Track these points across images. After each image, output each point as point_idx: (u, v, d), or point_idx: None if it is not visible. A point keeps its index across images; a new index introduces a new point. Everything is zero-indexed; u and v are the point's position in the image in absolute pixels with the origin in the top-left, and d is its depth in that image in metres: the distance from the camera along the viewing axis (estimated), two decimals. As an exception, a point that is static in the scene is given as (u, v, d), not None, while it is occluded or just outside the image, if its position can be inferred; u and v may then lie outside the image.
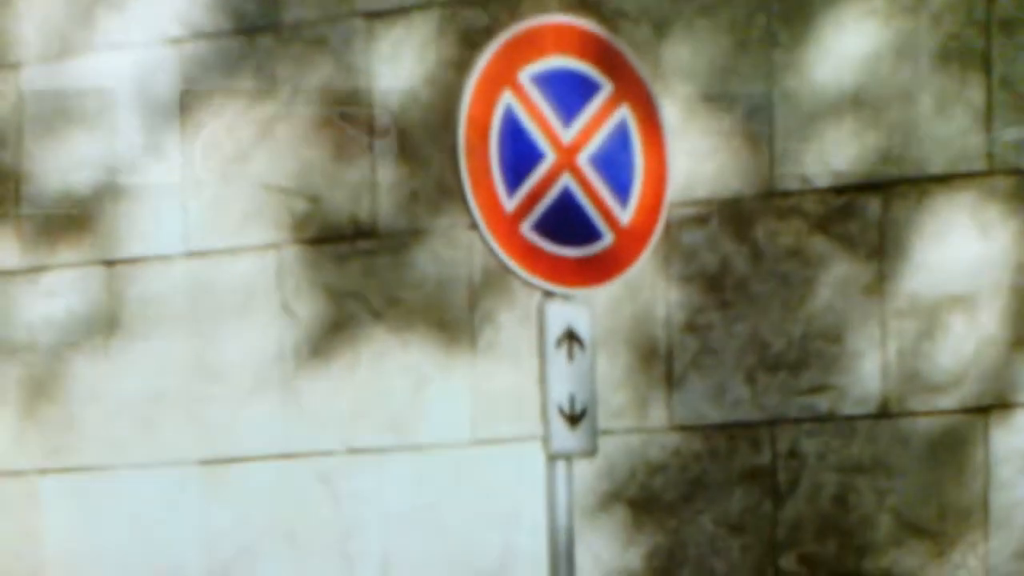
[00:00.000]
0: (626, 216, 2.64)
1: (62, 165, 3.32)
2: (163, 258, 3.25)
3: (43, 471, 3.36)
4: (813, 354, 3.05)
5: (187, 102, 3.24)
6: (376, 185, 3.20)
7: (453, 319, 3.21)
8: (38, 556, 3.44)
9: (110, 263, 3.25)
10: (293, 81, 3.20)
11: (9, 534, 3.43)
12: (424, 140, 3.16)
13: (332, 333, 3.23)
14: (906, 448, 3.00)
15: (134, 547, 3.37)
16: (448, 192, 3.06)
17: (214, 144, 3.25)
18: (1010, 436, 2.94)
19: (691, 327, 3.12)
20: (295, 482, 3.23)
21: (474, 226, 2.58)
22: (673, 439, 3.13)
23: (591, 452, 2.67)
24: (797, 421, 3.07)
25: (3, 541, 3.44)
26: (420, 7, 3.14)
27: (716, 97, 3.08)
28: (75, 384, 3.33)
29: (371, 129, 3.17)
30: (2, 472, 3.42)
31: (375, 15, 3.12)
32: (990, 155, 2.92)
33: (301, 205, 3.21)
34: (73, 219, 3.36)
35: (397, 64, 3.15)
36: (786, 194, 3.03)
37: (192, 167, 3.27)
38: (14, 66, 3.29)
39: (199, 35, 3.23)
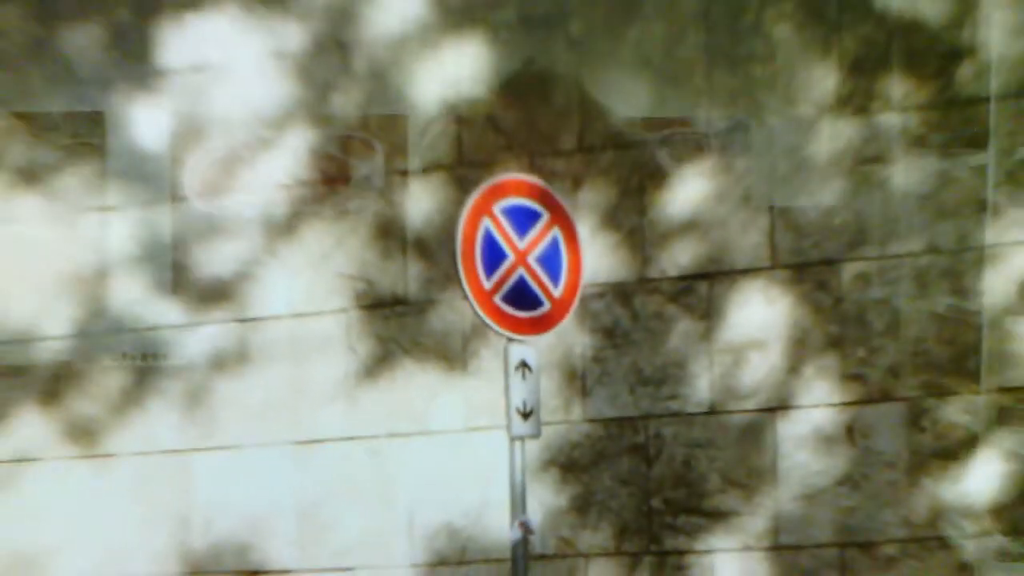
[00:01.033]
0: (557, 292, 3.14)
1: (214, 260, 3.74)
2: (275, 317, 3.69)
3: (195, 450, 3.77)
4: (669, 376, 3.55)
5: (293, 224, 3.69)
6: (407, 274, 3.66)
7: (453, 354, 3.62)
8: (191, 506, 3.76)
9: (242, 320, 3.71)
10: (358, 211, 3.67)
11: (171, 492, 3.75)
12: (436, 247, 3.57)
13: (379, 363, 3.64)
14: (726, 433, 3.49)
15: (253, 497, 3.73)
16: (451, 278, 3.34)
17: (309, 249, 3.69)
18: (788, 426, 3.42)
19: (596, 359, 3.56)
20: (355, 455, 3.65)
21: (466, 298, 3.09)
22: (586, 427, 3.58)
23: (537, 436, 3.15)
24: (660, 416, 3.54)
25: (167, 497, 3.74)
26: (435, 169, 3.60)
27: (609, 223, 3.55)
28: (217, 394, 3.74)
29: (404, 239, 3.65)
30: (168, 451, 3.76)
31: (407, 172, 3.62)
32: (773, 257, 3.45)
33: (361, 286, 3.65)
34: (220, 293, 3.75)
35: (421, 202, 3.62)
36: (651, 280, 3.52)
37: (295, 262, 3.70)
38: (184, 201, 3.74)
39: (300, 183, 3.68)
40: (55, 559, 3.85)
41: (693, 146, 3.56)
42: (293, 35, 3.83)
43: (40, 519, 3.83)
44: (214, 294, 3.78)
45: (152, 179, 3.85)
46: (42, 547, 3.83)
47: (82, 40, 3.88)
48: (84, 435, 3.78)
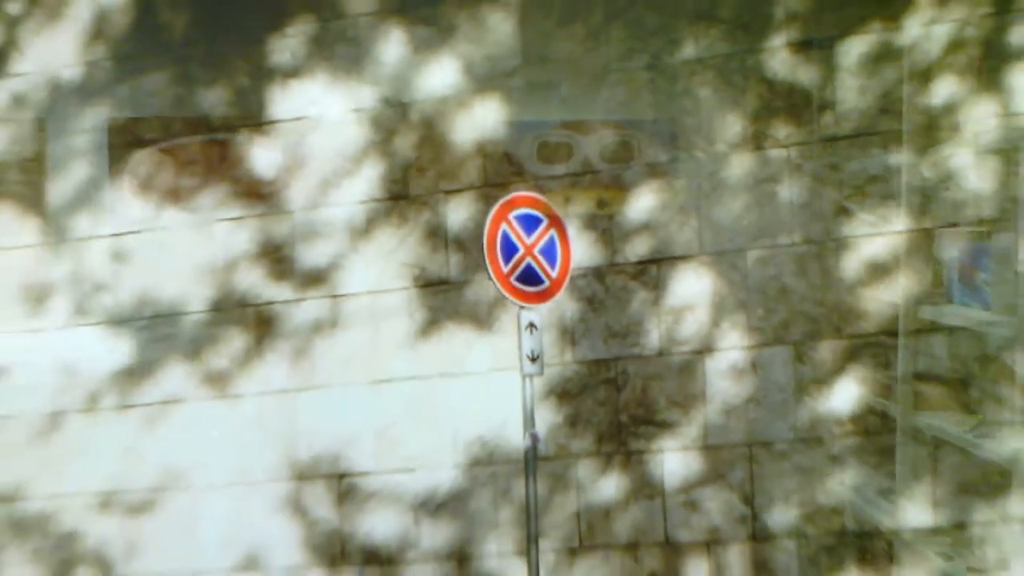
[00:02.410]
0: (554, 274, 3.44)
1: (313, 255, 3.91)
2: (357, 294, 3.91)
3: (299, 389, 3.93)
4: (631, 330, 3.85)
5: (368, 229, 3.88)
6: (449, 263, 3.89)
7: (481, 318, 3.88)
8: (296, 431, 3.94)
9: (333, 296, 3.91)
10: (414, 219, 3.87)
11: (282, 421, 3.94)
12: (469, 243, 3.87)
13: (430, 326, 3.90)
14: (670, 369, 3.85)
15: (342, 422, 3.94)
16: (479, 265, 3.79)
17: (380, 246, 3.89)
18: (712, 363, 3.83)
19: (581, 320, 3.87)
20: (416, 390, 3.89)
21: (490, 279, 3.42)
22: (574, 367, 3.89)
23: (541, 374, 3.47)
24: (625, 358, 3.87)
25: (279, 425, 3.93)
26: (467, 189, 3.84)
27: (589, 226, 3.83)
28: (315, 349, 3.92)
29: (447, 238, 3.88)
30: (280, 391, 3.93)
31: (449, 191, 3.85)
32: (700, 247, 3.80)
33: (417, 271, 3.89)
34: (317, 278, 3.89)
35: (457, 212, 3.87)
36: (618, 264, 3.83)
37: (371, 256, 3.90)
38: (291, 213, 3.90)
39: (372, 199, 3.88)
40: (197, 472, 3.98)
41: (646, 172, 3.82)
42: (366, 95, 3.88)
43: (184, 444, 3.98)
44: (313, 278, 3.94)
45: (267, 198, 3.98)
46: (187, 464, 3.98)
47: (213, 98, 3.93)
48: (218, 381, 3.96)
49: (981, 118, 3.65)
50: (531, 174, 3.85)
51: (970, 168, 3.67)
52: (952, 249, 3.66)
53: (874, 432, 3.77)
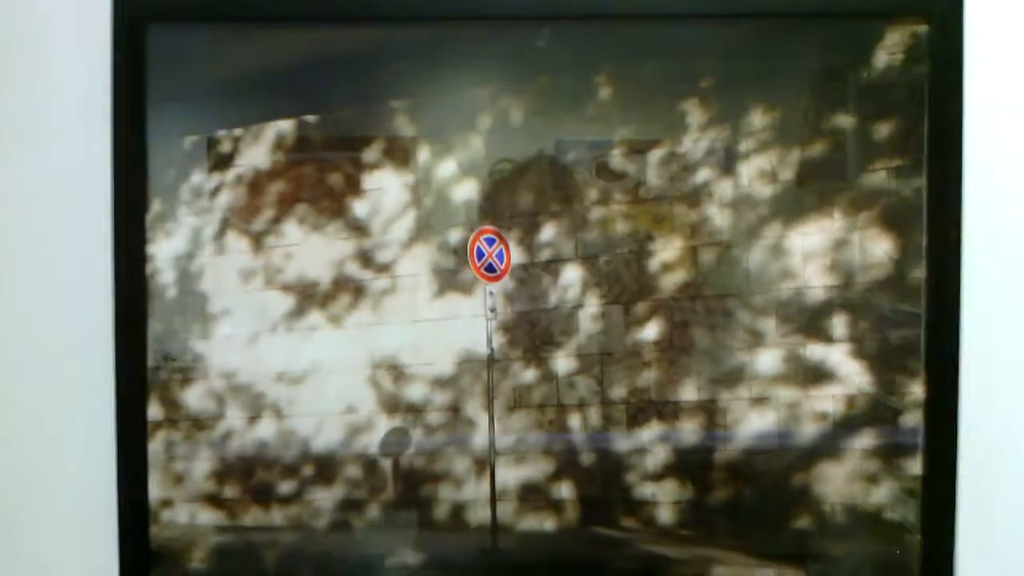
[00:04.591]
0: (502, 267, 3.73)
1: (382, 256, 4.21)
2: (404, 276, 4.27)
3: (375, 324, 4.08)
4: (539, 296, 3.93)
5: (409, 244, 4.11)
6: (451, 261, 4.03)
7: (467, 289, 4.00)
8: (372, 346, 4.03)
9: (393, 277, 4.21)
10: (432, 239, 4.07)
11: (366, 342, 4.07)
12: (460, 251, 3.99)
13: (440, 293, 4.10)
14: (560, 315, 3.83)
15: (395, 342, 4.04)
16: (466, 262, 3.93)
17: (415, 252, 4.15)
18: (583, 313, 3.83)
19: (515, 290, 3.93)
20: (432, 325, 4.13)
21: (471, 269, 3.86)
22: (512, 315, 3.82)
23: (495, 318, 3.65)
24: (537, 310, 3.94)
25: (364, 343, 4.05)
26: (459, 224, 4.04)
27: (520, 243, 3.99)
28: (384, 303, 4.10)
29: (449, 249, 4.03)
30: (364, 325, 4.10)
31: (451, 225, 4.02)
32: (576, 254, 4.00)
33: (433, 265, 4.05)
34: (384, 266, 4.25)
35: (455, 236, 4.00)
36: (535, 263, 3.98)
37: (410, 257, 4.17)
38: (372, 235, 4.11)
39: (411, 230, 4.07)
40: (324, 364, 4.05)
41: (549, 218, 4.12)
42: (409, 178, 4.17)
43: (317, 350, 4.09)
44: (382, 267, 4.29)
45: (361, 228, 4.21)
46: (319, 360, 4.09)
47: (335, 181, 4.21)
48: (335, 319, 4.25)
49: (722, 190, 3.95)
50: (494, 221, 4.13)
51: (715, 216, 3.97)
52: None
53: (667, 349, 3.96)
